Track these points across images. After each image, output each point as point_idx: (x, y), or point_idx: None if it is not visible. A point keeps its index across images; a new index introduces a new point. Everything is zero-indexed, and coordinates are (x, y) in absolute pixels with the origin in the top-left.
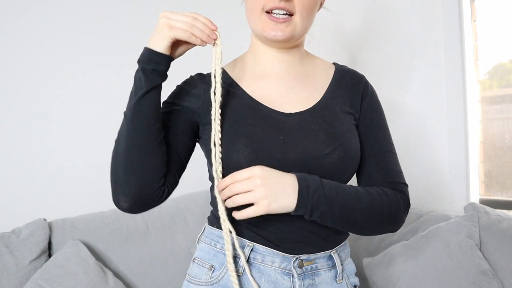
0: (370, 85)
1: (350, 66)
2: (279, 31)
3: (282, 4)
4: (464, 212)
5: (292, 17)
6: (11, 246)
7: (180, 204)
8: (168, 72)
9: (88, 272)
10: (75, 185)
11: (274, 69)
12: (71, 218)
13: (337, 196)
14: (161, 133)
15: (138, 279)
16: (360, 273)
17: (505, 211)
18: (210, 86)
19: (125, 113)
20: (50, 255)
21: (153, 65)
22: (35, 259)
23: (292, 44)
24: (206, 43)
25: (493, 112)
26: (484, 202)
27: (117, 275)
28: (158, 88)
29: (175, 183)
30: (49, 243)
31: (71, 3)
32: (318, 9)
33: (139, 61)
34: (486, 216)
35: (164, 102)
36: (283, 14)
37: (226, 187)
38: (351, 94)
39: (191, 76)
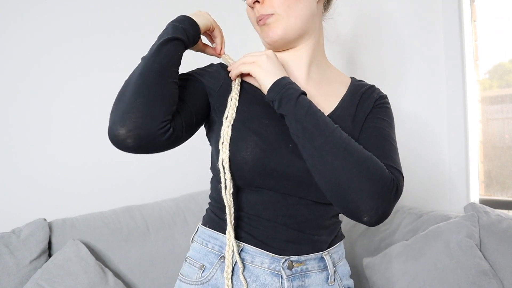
0: (382, 93)
1: (350, 67)
2: (270, 32)
3: (259, 12)
4: (464, 212)
5: (273, 14)
6: (11, 246)
7: (180, 204)
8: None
9: (88, 272)
10: (75, 185)
11: (289, 71)
12: (71, 218)
13: (310, 107)
14: (175, 76)
15: (138, 279)
16: (360, 273)
17: (505, 211)
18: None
19: (142, 57)
20: (50, 255)
21: (185, 25)
22: (35, 259)
23: (292, 38)
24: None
25: (493, 112)
26: (484, 202)
27: (117, 275)
28: (182, 43)
29: (181, 131)
30: (49, 243)
31: (71, 3)
32: None
33: (171, 21)
34: (486, 216)
35: (182, 74)
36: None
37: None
38: (363, 105)
39: (212, 64)
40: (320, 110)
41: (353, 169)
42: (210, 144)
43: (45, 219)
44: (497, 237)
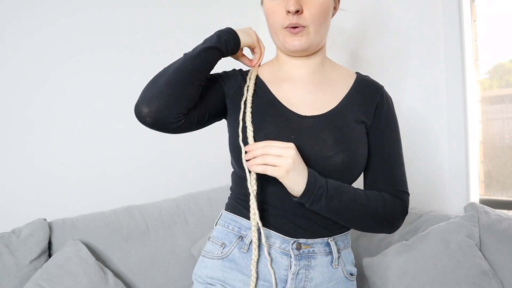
0: (388, 96)
1: (349, 66)
2: (296, 41)
3: (295, 20)
4: (464, 212)
5: (305, 28)
6: (11, 246)
7: (180, 204)
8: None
9: (88, 272)
10: (75, 185)
11: (297, 74)
12: (71, 218)
13: (336, 196)
14: (203, 80)
15: (138, 279)
16: (360, 273)
17: (505, 211)
18: (245, 81)
19: (184, 54)
20: (50, 255)
21: (227, 38)
22: (35, 259)
23: (312, 51)
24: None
25: (493, 112)
26: (484, 202)
27: (117, 275)
28: (220, 52)
29: (192, 124)
30: (49, 243)
31: (72, 3)
32: (333, 14)
33: (218, 30)
34: (486, 216)
35: (211, 74)
36: (297, 27)
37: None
38: (367, 103)
39: (233, 69)
40: (341, 186)
41: (377, 225)
42: (229, 142)
43: (45, 219)
44: (497, 237)
